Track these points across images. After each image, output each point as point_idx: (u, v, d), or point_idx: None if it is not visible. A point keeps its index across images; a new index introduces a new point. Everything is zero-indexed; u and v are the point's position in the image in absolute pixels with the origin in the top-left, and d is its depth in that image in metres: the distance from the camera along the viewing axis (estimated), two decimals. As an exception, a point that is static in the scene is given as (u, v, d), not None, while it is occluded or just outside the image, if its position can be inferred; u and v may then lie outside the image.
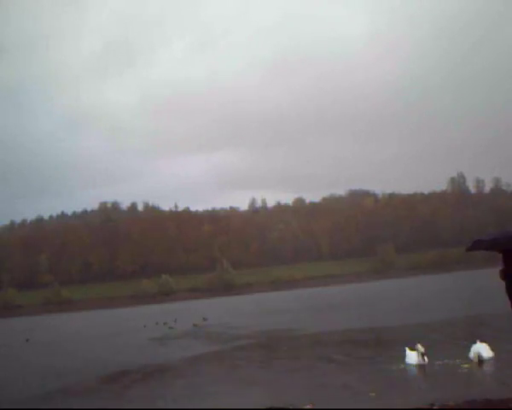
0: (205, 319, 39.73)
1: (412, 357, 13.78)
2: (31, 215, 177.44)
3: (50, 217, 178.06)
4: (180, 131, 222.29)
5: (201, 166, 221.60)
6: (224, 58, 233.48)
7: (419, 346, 13.71)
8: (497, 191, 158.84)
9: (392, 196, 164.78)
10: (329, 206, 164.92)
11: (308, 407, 10.04)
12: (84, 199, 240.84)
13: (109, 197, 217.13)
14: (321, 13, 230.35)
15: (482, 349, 13.42)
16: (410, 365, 13.61)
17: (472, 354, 13.42)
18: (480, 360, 13.05)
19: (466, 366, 12.88)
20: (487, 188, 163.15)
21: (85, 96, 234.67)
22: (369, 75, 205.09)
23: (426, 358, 13.51)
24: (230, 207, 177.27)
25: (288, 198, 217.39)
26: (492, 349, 13.50)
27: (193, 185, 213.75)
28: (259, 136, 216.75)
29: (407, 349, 14.38)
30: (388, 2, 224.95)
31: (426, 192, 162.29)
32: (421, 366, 13.28)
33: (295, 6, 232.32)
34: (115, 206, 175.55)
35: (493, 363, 12.96)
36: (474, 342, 13.79)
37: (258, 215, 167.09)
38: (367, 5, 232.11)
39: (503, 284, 9.29)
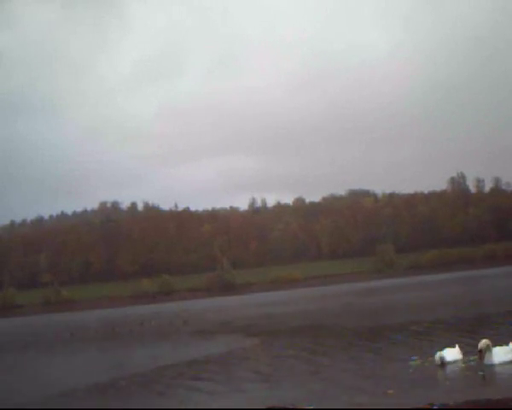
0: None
1: (450, 354, 13.95)
2: (31, 215, 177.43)
3: (50, 217, 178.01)
4: (190, 139, 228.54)
5: (204, 170, 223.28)
6: (243, 72, 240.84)
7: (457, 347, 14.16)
8: (497, 191, 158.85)
9: (392, 196, 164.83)
10: (329, 206, 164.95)
11: (311, 407, 10.10)
12: (84, 199, 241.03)
13: (109, 197, 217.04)
14: (342, 28, 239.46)
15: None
16: (447, 362, 13.76)
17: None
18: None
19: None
20: (487, 188, 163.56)
21: (110, 107, 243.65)
22: (381, 89, 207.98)
23: (462, 356, 13.69)
24: (230, 207, 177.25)
25: (288, 198, 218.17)
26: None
27: (195, 187, 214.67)
28: (263, 141, 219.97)
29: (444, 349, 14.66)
30: (406, 18, 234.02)
31: (426, 192, 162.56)
32: (457, 364, 13.47)
33: (316, 22, 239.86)
34: (115, 206, 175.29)
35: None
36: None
37: (258, 215, 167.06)
38: (386, 21, 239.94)
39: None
